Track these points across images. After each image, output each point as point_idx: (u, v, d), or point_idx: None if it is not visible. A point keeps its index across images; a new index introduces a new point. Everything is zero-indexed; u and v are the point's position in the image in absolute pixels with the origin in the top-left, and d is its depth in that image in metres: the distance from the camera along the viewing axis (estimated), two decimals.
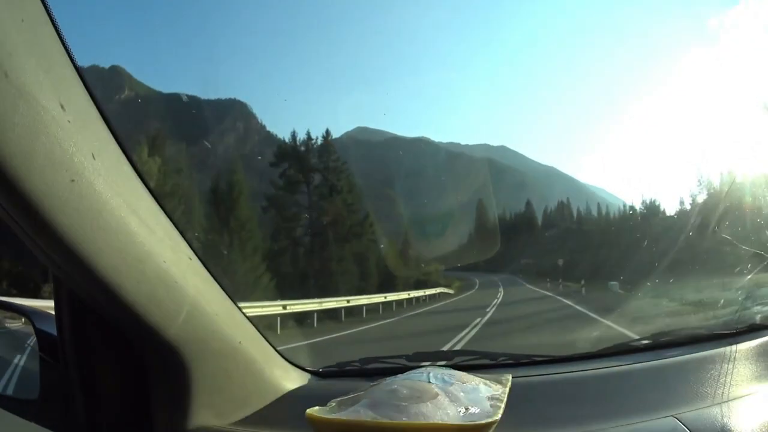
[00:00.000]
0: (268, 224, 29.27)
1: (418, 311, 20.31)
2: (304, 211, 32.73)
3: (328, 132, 35.62)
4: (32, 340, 1.35)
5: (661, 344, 1.75)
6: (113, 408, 1.16)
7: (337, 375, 1.69)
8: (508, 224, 56.08)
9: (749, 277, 2.31)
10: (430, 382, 1.00)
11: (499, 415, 0.90)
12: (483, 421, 0.87)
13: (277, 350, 1.45)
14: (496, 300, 22.37)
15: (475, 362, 1.61)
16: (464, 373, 1.11)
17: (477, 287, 35.98)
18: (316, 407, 0.94)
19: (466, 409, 0.93)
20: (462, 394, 0.98)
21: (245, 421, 1.23)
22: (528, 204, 60.20)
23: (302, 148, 34.26)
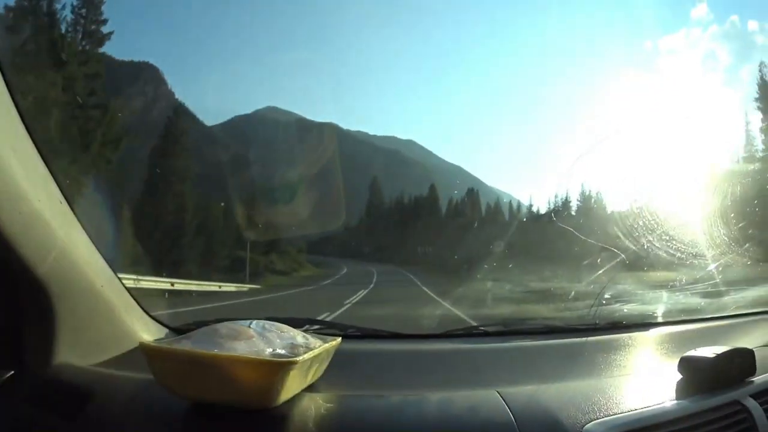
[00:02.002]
0: None
1: None
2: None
3: None
4: None
5: (512, 331, 1.84)
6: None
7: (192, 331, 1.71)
8: (407, 211, 56.10)
9: (601, 271, 2.47)
10: (250, 327, 1.11)
11: (301, 359, 1.00)
12: (279, 360, 0.99)
13: (137, 301, 1.53)
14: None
15: (323, 331, 1.68)
16: (286, 325, 1.21)
17: (330, 281, 27.17)
18: (150, 339, 1.09)
19: (275, 350, 1.05)
20: (278, 340, 1.10)
21: (103, 364, 1.30)
22: (432, 189, 59.84)
23: None
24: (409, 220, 51.69)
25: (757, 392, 1.21)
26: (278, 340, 1.10)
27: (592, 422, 1.03)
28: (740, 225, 2.92)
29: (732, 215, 2.91)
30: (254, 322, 1.15)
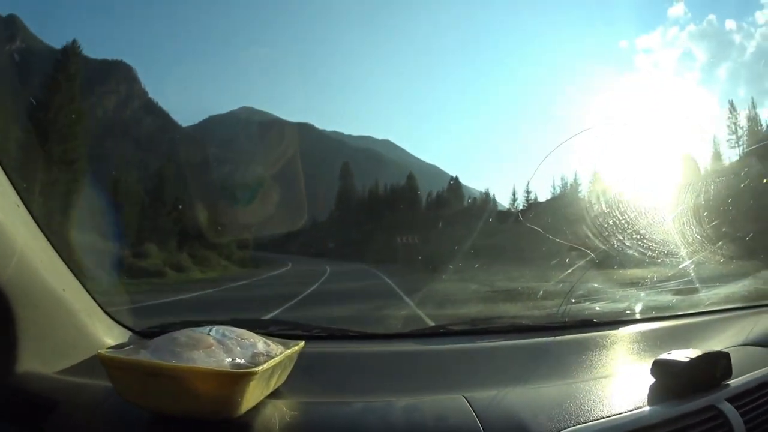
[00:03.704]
0: None
1: None
2: None
3: None
4: None
5: (479, 330, 1.85)
6: None
7: (158, 335, 1.69)
8: (381, 204, 55.16)
9: (570, 270, 2.50)
10: (209, 334, 1.12)
11: (260, 369, 1.01)
12: (237, 371, 0.99)
13: (100, 305, 1.53)
14: None
15: (288, 332, 1.69)
16: (247, 331, 1.22)
17: (212, 291, 17.73)
18: (110, 349, 1.05)
19: (234, 359, 1.06)
20: (238, 348, 1.11)
21: (67, 371, 1.30)
22: (410, 178, 59.13)
23: None
24: (383, 215, 50.96)
25: (733, 396, 1.22)
26: (238, 348, 1.11)
27: (564, 431, 1.03)
28: (713, 223, 2.97)
29: (705, 213, 2.96)
30: (215, 328, 1.16)
